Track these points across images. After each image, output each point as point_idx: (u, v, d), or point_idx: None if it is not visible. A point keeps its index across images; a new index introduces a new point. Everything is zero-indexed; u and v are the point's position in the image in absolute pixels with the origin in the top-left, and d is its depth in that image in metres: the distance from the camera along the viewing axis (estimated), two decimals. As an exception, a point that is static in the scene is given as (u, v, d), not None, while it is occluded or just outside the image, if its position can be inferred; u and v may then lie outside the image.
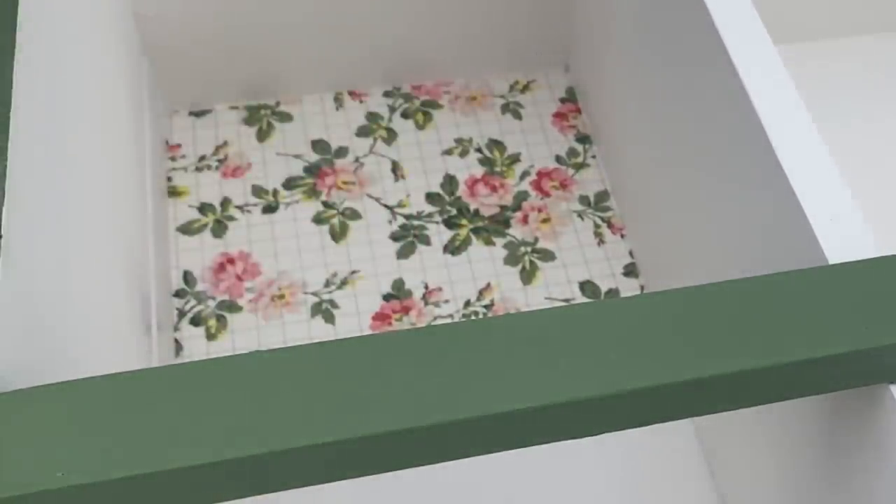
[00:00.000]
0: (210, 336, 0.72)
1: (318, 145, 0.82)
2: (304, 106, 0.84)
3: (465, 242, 0.77)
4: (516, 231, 0.77)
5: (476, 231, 0.77)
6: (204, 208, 0.78)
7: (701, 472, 0.65)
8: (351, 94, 0.85)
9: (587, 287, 0.74)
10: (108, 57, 0.61)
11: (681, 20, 0.58)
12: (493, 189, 0.80)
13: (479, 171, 0.81)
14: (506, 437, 0.36)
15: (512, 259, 0.76)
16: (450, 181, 0.80)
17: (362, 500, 0.64)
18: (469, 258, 0.76)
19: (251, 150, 0.82)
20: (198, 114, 0.84)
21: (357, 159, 0.81)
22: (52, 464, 0.33)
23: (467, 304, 0.73)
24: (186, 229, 0.77)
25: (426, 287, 0.74)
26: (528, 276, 0.75)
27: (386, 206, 0.79)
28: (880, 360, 0.38)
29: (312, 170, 0.81)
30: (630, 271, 0.75)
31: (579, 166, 0.82)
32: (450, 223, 0.78)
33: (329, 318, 0.73)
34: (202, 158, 0.81)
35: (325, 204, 0.79)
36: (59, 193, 0.45)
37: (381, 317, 0.73)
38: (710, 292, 0.39)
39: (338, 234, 0.77)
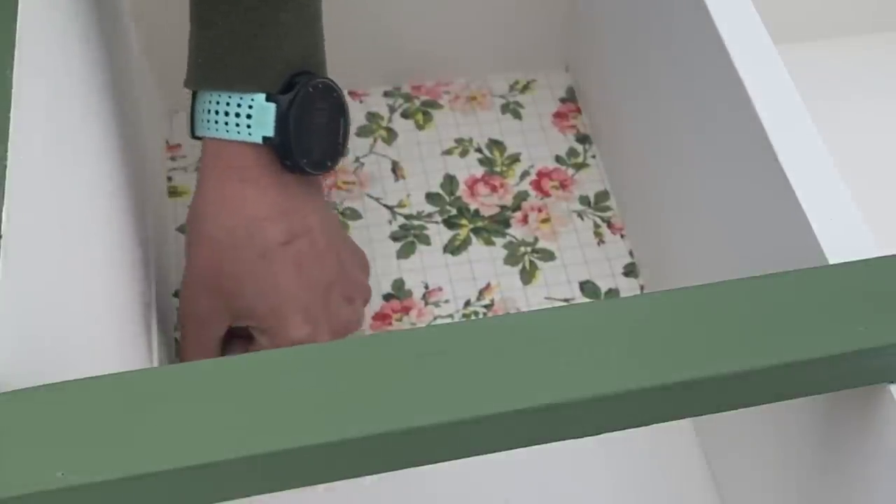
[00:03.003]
0: (210, 336, 0.72)
1: (318, 145, 0.82)
2: (304, 106, 0.84)
3: (465, 242, 0.77)
4: (516, 231, 0.77)
5: (476, 231, 0.77)
6: (204, 208, 0.78)
7: (701, 472, 0.65)
8: (351, 94, 0.85)
9: (587, 287, 0.74)
10: (107, 57, 0.61)
11: (681, 20, 0.58)
12: (493, 189, 0.80)
13: (479, 171, 0.81)
14: (506, 437, 0.36)
15: (512, 259, 0.76)
16: (450, 181, 0.80)
17: (361, 500, 0.64)
18: (469, 258, 0.76)
19: (251, 150, 0.82)
20: (198, 114, 0.83)
21: (357, 159, 0.81)
22: (52, 464, 0.33)
23: (467, 304, 0.73)
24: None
25: (426, 287, 0.74)
26: (528, 276, 0.75)
27: (386, 206, 0.79)
28: (880, 360, 0.38)
29: (312, 170, 0.80)
30: (630, 271, 0.75)
31: (579, 166, 0.82)
32: (450, 223, 0.78)
33: (329, 318, 0.72)
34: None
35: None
36: (59, 193, 0.45)
37: (381, 317, 0.73)
38: (710, 292, 0.39)
39: (338, 234, 0.77)
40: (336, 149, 0.64)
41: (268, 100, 0.58)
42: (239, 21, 0.57)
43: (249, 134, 0.59)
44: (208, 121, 0.60)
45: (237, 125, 0.59)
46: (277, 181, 0.61)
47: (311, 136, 0.61)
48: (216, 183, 0.61)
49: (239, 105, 0.58)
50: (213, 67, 0.59)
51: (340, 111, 0.64)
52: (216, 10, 0.58)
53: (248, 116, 0.59)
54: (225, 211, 0.60)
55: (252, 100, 0.58)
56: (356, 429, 0.34)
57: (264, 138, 0.59)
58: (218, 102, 0.59)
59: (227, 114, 0.59)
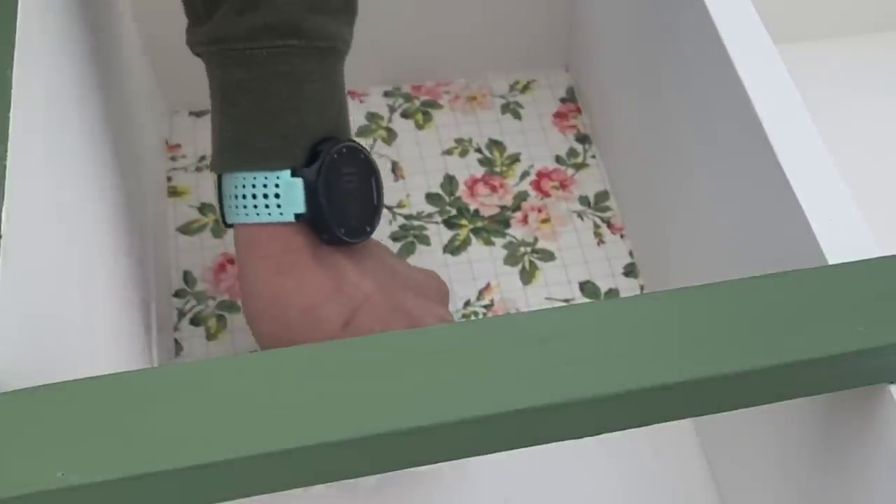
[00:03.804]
0: (210, 336, 0.72)
1: (318, 145, 0.82)
2: (303, 106, 0.84)
3: (465, 242, 0.77)
4: (516, 231, 0.77)
5: (476, 231, 0.77)
6: (204, 208, 0.78)
7: (701, 472, 0.65)
8: (351, 94, 0.85)
9: (587, 287, 0.74)
10: (107, 57, 0.61)
11: (680, 20, 0.58)
12: (493, 189, 0.80)
13: (478, 171, 0.81)
14: (506, 436, 0.36)
15: (512, 259, 0.76)
16: (450, 181, 0.80)
17: (361, 500, 0.64)
18: (469, 258, 0.76)
19: (251, 150, 0.82)
20: (198, 114, 0.84)
21: (357, 159, 0.81)
22: (52, 464, 0.33)
23: (467, 304, 0.73)
24: (186, 229, 0.77)
25: (426, 287, 0.74)
26: (528, 276, 0.75)
27: (386, 206, 0.79)
28: (880, 360, 0.38)
29: (312, 170, 0.80)
30: (630, 271, 0.75)
31: (579, 166, 0.82)
32: (450, 223, 0.78)
33: (329, 318, 0.72)
34: (202, 158, 0.81)
35: (325, 204, 0.78)
36: (59, 193, 0.45)
37: (381, 317, 0.73)
38: (710, 292, 0.39)
39: (338, 234, 0.77)
40: (373, 211, 0.60)
41: (293, 175, 0.55)
42: (262, 98, 0.55)
43: (281, 214, 0.55)
44: (237, 206, 0.56)
45: (267, 206, 0.55)
46: (318, 261, 0.57)
47: (344, 205, 0.58)
48: (255, 278, 0.57)
49: (265, 185, 0.55)
50: (235, 149, 0.56)
51: (370, 171, 0.60)
52: (240, 88, 0.55)
53: (277, 196, 0.55)
54: (274, 308, 0.57)
55: (278, 177, 0.55)
56: (356, 429, 0.34)
57: (296, 215, 0.56)
58: (244, 186, 0.56)
59: (254, 196, 0.55)
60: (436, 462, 0.36)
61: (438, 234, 0.77)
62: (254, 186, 0.56)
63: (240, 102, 0.55)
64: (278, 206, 0.56)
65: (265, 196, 0.56)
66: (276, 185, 0.55)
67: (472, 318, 0.73)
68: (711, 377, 0.36)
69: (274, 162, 0.55)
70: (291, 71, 0.55)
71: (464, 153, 0.82)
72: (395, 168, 0.81)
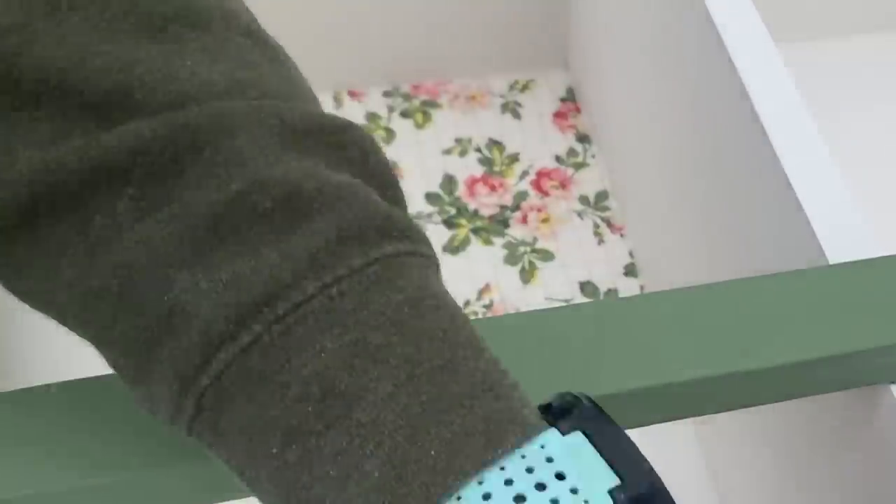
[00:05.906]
0: (209, 336, 0.71)
1: (318, 145, 0.82)
2: (303, 106, 0.84)
3: (465, 242, 0.77)
4: (516, 231, 0.77)
5: (475, 231, 0.77)
6: (203, 208, 0.78)
7: (701, 472, 0.65)
8: (350, 93, 0.85)
9: (587, 287, 0.74)
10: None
11: (680, 19, 0.58)
12: (493, 189, 0.80)
13: (478, 170, 0.81)
14: (505, 437, 0.36)
15: (511, 259, 0.76)
16: (449, 181, 0.80)
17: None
18: (468, 258, 0.76)
19: (251, 150, 0.81)
20: (197, 113, 0.83)
21: (357, 159, 0.81)
22: (49, 466, 0.33)
23: (467, 304, 0.73)
24: (186, 229, 0.77)
25: (426, 287, 0.74)
26: (527, 276, 0.75)
27: (385, 205, 0.78)
28: (880, 360, 0.38)
29: (312, 170, 0.80)
30: (630, 271, 0.75)
31: (579, 166, 0.82)
32: (449, 223, 0.78)
33: (328, 318, 0.72)
34: (202, 158, 0.81)
35: (325, 204, 0.78)
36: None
37: (380, 317, 0.73)
38: (710, 292, 0.39)
39: (337, 234, 0.77)
40: None
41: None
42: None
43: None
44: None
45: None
46: None
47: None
48: None
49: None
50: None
51: None
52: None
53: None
54: None
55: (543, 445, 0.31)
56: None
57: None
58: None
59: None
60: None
61: (438, 233, 0.77)
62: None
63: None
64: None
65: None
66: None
67: (472, 318, 0.72)
68: (712, 377, 0.36)
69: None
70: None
71: (463, 153, 0.82)
72: (394, 168, 0.81)
